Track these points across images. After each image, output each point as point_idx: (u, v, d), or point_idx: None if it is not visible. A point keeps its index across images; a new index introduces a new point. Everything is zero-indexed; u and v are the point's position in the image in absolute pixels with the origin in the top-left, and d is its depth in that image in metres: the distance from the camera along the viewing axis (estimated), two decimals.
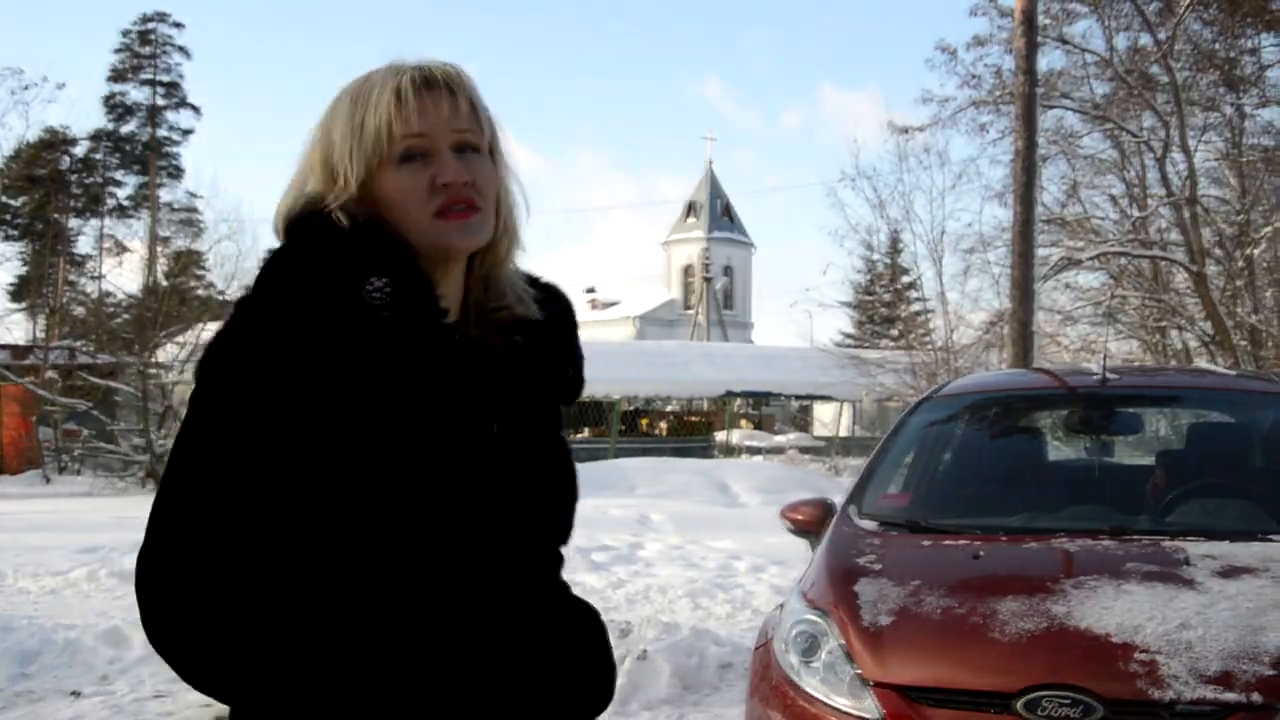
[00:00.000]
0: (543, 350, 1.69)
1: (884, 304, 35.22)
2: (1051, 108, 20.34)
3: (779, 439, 32.07)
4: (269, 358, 1.46)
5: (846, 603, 3.74)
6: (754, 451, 29.38)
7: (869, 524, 4.48)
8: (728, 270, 66.86)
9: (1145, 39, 21.63)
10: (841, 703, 3.53)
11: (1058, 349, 23.28)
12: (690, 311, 60.40)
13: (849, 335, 44.38)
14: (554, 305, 1.74)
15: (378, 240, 1.54)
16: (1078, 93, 22.56)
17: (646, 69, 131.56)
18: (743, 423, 35.50)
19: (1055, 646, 3.39)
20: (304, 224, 1.56)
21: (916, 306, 30.34)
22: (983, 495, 4.91)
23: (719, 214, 68.78)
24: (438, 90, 1.58)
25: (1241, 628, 3.37)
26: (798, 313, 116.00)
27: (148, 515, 1.49)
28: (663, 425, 34.36)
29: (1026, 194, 13.59)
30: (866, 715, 3.44)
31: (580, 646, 1.69)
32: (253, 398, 1.46)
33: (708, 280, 56.37)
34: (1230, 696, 3.17)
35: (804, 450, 29.77)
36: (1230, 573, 3.71)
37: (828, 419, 35.84)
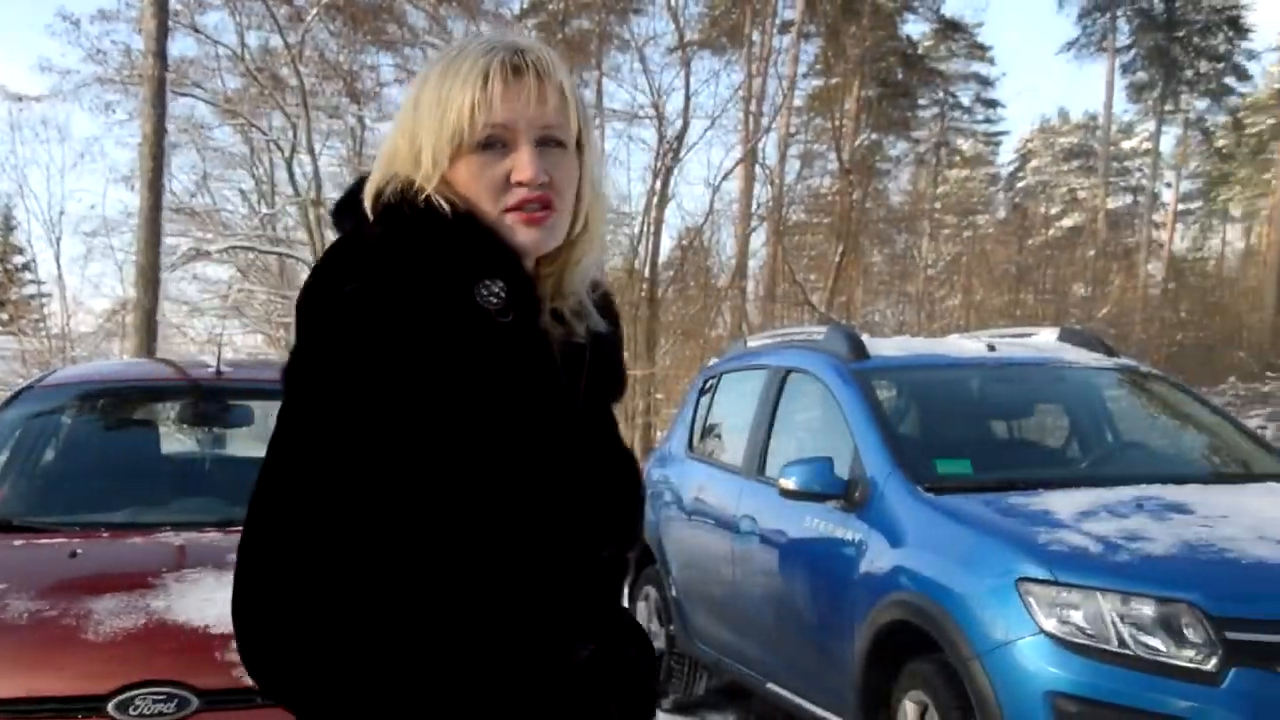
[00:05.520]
0: (603, 351, 1.62)
1: None
2: (183, 95, 20.29)
3: None
4: (380, 362, 1.36)
5: None
6: None
7: None
8: None
9: (277, 40, 22.20)
10: None
11: (184, 340, 23.26)
12: None
13: None
14: (607, 314, 1.64)
15: (485, 238, 1.45)
16: (210, 84, 22.46)
17: None
18: None
19: (151, 643, 3.31)
20: (399, 211, 1.45)
21: (31, 289, 28.49)
22: (87, 490, 4.64)
23: None
24: (524, 77, 1.46)
25: None
26: None
27: (241, 538, 1.38)
28: None
29: (155, 180, 13.38)
30: None
31: (643, 660, 1.69)
32: (363, 404, 1.35)
33: None
34: None
35: None
36: None
37: None
